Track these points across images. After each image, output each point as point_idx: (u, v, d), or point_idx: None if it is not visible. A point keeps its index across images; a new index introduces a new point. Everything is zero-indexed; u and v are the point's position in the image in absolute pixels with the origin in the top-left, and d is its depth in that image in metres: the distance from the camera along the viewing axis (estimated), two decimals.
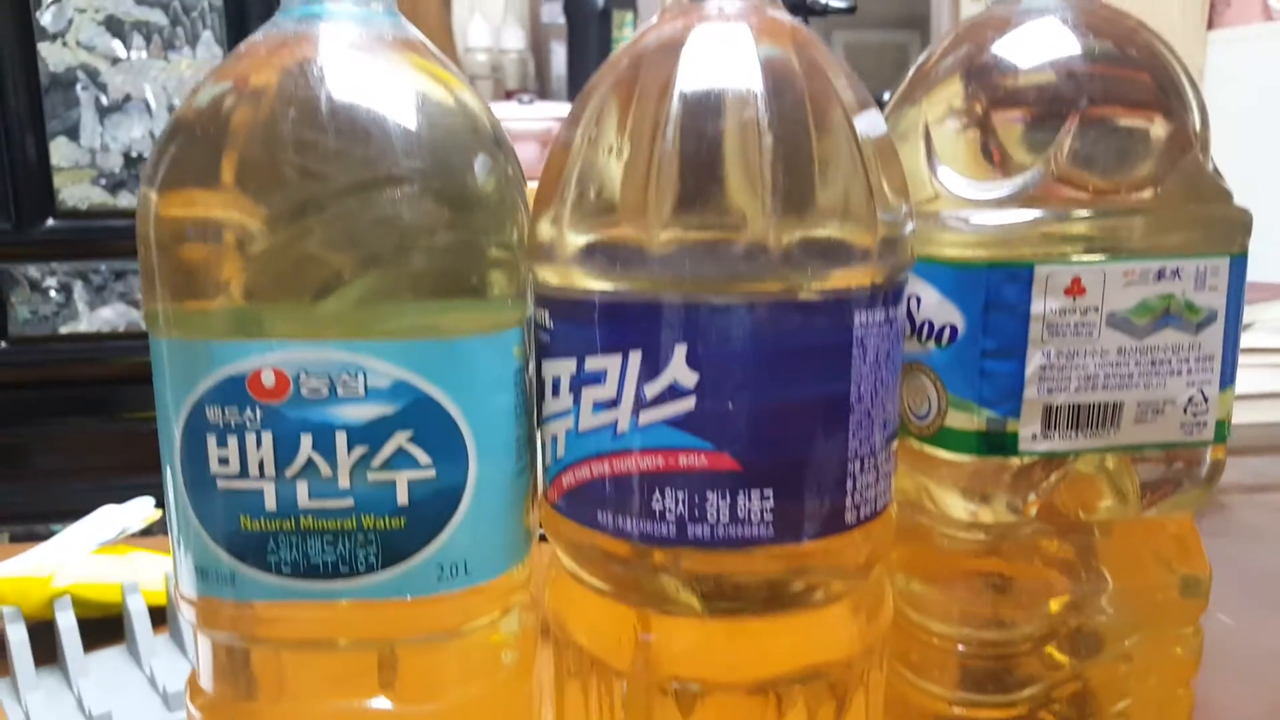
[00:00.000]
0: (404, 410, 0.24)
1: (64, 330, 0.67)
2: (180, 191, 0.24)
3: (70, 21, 0.59)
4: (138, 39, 0.64)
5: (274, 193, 0.23)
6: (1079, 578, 0.29)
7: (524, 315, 0.26)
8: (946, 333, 0.27)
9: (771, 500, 0.23)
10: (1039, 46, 0.27)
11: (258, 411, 0.23)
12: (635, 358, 0.23)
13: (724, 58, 0.23)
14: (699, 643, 0.25)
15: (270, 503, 0.24)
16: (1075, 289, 0.26)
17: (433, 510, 0.24)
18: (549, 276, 0.25)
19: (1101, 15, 0.28)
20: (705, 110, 0.23)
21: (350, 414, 0.23)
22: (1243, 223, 0.28)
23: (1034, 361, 0.27)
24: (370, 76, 0.24)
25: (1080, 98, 0.26)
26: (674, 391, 0.23)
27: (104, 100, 0.64)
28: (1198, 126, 0.27)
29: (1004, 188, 0.27)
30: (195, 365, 0.23)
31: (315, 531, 0.24)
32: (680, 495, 0.23)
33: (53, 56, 0.59)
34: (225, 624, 0.25)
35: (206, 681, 0.26)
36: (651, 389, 0.23)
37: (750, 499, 0.23)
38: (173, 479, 0.24)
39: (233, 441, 0.23)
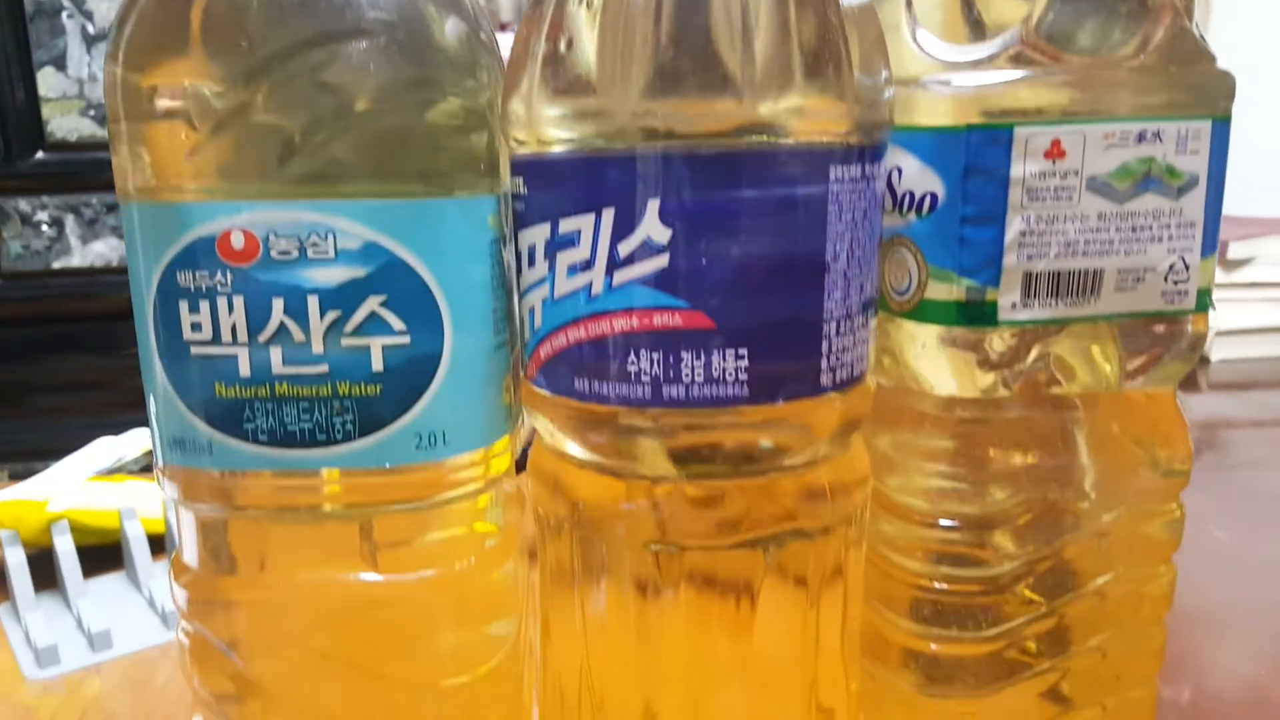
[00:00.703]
0: (375, 273, 0.23)
1: (57, 265, 0.66)
2: (143, 58, 0.23)
3: None
4: None
5: (237, 52, 0.22)
6: (1060, 456, 0.29)
7: (498, 185, 0.26)
8: (927, 201, 0.27)
9: (746, 360, 0.23)
10: None
11: (228, 275, 0.23)
12: (608, 216, 0.23)
13: None
14: (678, 508, 0.25)
15: (244, 369, 0.24)
16: (1055, 151, 0.26)
17: (409, 378, 0.24)
18: (522, 139, 0.24)
19: None
20: None
21: (321, 277, 0.23)
22: (1226, 85, 0.27)
23: (1013, 227, 0.26)
24: None
25: None
26: (647, 249, 0.23)
27: (90, 29, 0.63)
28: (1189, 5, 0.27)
29: (984, 49, 0.26)
30: (165, 229, 0.23)
31: (291, 398, 0.24)
32: (655, 356, 0.23)
33: None
34: (205, 495, 0.25)
35: (190, 557, 0.27)
36: (625, 247, 0.23)
37: (725, 358, 0.23)
38: (146, 349, 0.24)
39: (205, 306, 0.23)
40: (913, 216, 0.28)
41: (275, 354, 0.24)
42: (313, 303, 0.23)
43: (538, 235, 0.25)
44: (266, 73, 0.22)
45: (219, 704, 0.27)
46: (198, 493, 0.25)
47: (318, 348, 0.24)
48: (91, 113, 0.65)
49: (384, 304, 0.24)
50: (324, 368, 0.24)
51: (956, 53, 0.27)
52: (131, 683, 0.45)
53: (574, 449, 0.26)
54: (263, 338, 0.23)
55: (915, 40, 0.27)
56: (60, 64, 0.62)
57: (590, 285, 0.24)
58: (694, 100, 0.22)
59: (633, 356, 0.23)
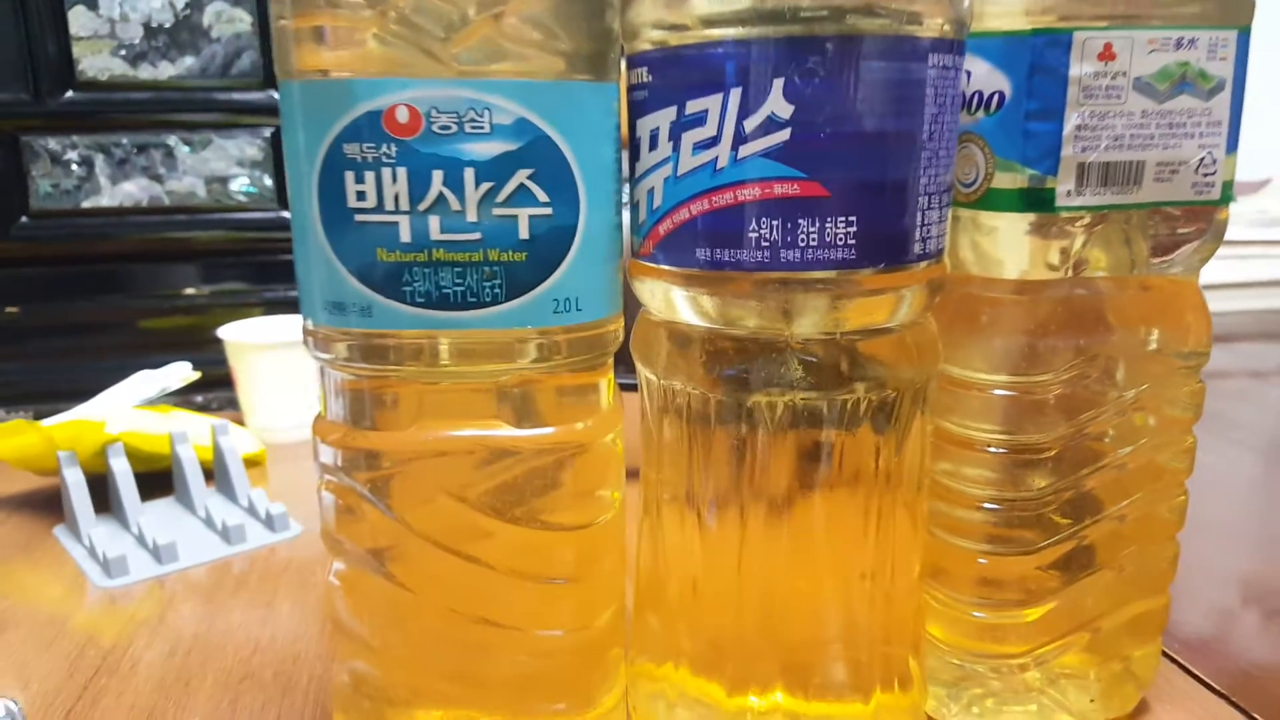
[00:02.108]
0: (525, 148, 0.26)
1: (86, 205, 0.67)
2: None
3: None
4: None
5: None
6: (1100, 333, 0.33)
7: (618, 75, 0.29)
8: (995, 100, 0.31)
9: (855, 225, 0.26)
10: None
11: (393, 147, 0.26)
12: (735, 95, 0.26)
13: None
14: (787, 364, 0.28)
15: (405, 235, 0.26)
16: (1107, 54, 0.30)
17: (550, 247, 0.27)
18: (651, 35, 0.27)
19: None
20: None
21: (477, 150, 0.26)
22: (1250, 1, 0.31)
23: (1071, 122, 0.30)
24: None
25: None
26: (771, 124, 0.26)
27: None
28: None
29: None
30: (332, 103, 0.26)
31: (446, 263, 0.26)
32: (774, 223, 0.26)
33: None
34: (360, 355, 0.28)
35: (338, 415, 0.29)
36: (750, 123, 0.26)
37: (836, 224, 0.26)
38: (305, 218, 0.27)
39: (369, 177, 0.26)
40: (981, 114, 0.31)
41: (434, 222, 0.26)
42: (469, 174, 0.26)
43: (662, 119, 0.28)
44: None
45: (361, 555, 0.29)
46: (353, 351, 0.28)
47: (472, 216, 0.26)
48: (123, 52, 0.66)
49: (531, 177, 0.26)
50: (477, 235, 0.26)
51: None
52: (201, 591, 0.47)
53: (689, 316, 0.29)
54: (423, 206, 0.26)
55: None
56: (92, 3, 0.62)
57: (716, 160, 0.27)
58: (819, 7, 0.25)
59: (754, 224, 0.27)
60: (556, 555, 0.30)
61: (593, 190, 0.27)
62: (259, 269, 0.74)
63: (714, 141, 0.27)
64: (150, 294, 0.72)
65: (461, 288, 0.27)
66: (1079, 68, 0.30)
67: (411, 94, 0.25)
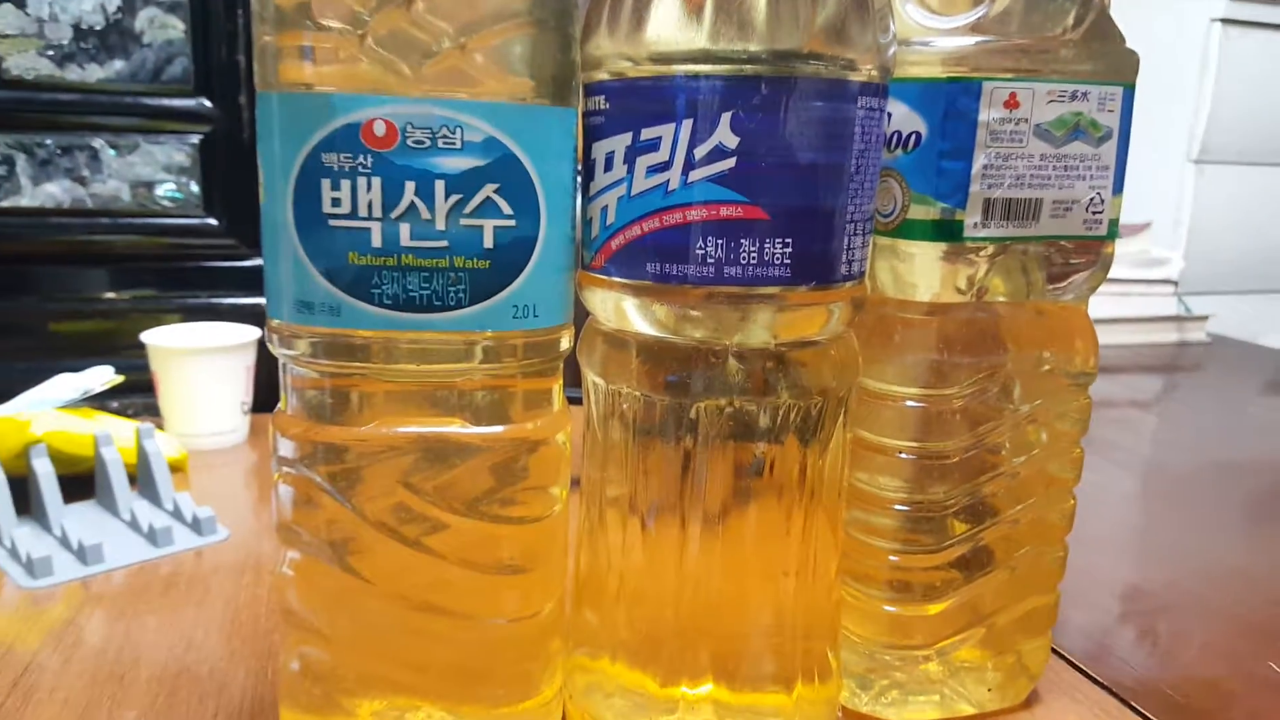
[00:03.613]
0: (492, 164, 0.28)
1: (5, 204, 0.66)
2: None
3: None
4: None
5: None
6: (999, 352, 0.36)
7: (577, 101, 0.31)
8: (912, 139, 0.34)
9: (791, 247, 0.29)
10: None
11: (369, 158, 0.27)
12: (687, 125, 0.29)
13: None
14: (725, 370, 0.30)
15: (376, 240, 0.28)
16: (1012, 102, 0.33)
17: (511, 256, 0.29)
18: (609, 67, 0.30)
19: None
20: None
21: (448, 164, 0.28)
22: (1133, 60, 0.35)
23: (979, 161, 0.33)
24: None
25: None
26: (719, 152, 0.29)
27: None
28: None
29: (961, 19, 0.33)
30: (312, 115, 0.27)
31: (414, 268, 0.28)
32: (719, 242, 0.29)
33: None
34: (326, 353, 0.29)
35: (296, 409, 0.30)
36: (700, 151, 0.29)
37: (775, 245, 0.29)
38: (279, 221, 0.28)
39: (345, 184, 0.28)
40: (899, 152, 0.34)
41: (404, 229, 0.28)
42: (439, 186, 0.28)
43: (618, 143, 0.30)
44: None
45: (316, 545, 0.31)
46: (318, 349, 0.29)
47: (440, 225, 0.28)
48: (50, 52, 0.65)
49: (497, 191, 0.28)
50: (444, 243, 0.28)
51: (939, 21, 0.34)
52: (129, 592, 0.47)
53: (638, 325, 0.31)
54: (394, 214, 0.28)
55: (905, 10, 0.34)
56: (20, 1, 0.62)
57: (667, 183, 0.29)
58: (766, 37, 0.28)
59: (700, 242, 0.29)
60: (507, 547, 0.32)
61: (552, 205, 0.30)
62: (180, 275, 0.73)
63: (666, 166, 0.29)
64: (68, 297, 0.71)
65: (427, 291, 0.28)
66: (987, 114, 0.33)
67: (389, 110, 0.27)
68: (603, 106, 0.30)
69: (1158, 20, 1.42)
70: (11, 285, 0.69)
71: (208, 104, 0.70)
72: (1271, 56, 1.46)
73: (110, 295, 0.72)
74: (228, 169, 0.71)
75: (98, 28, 0.66)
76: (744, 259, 0.29)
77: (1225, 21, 1.41)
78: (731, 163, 0.29)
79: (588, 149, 0.31)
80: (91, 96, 0.66)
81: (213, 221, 0.72)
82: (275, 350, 0.30)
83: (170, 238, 0.71)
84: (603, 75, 0.30)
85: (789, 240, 0.29)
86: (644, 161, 0.29)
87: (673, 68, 0.28)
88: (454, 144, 0.28)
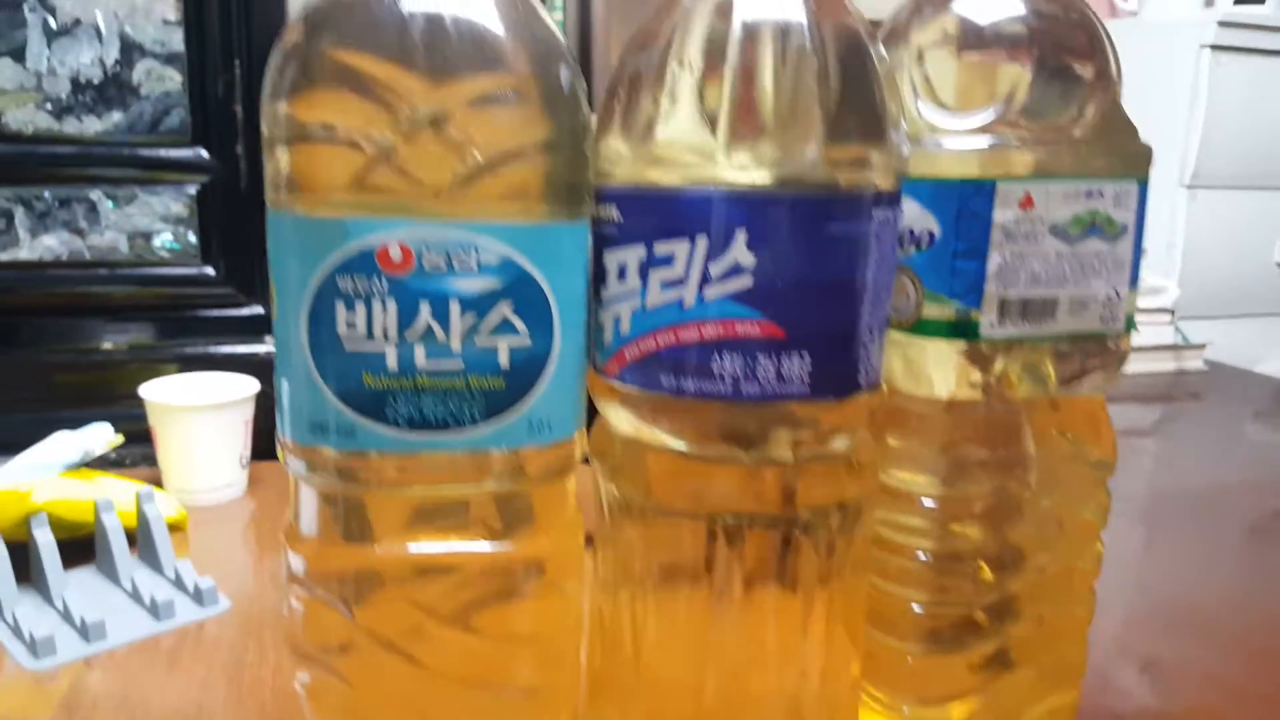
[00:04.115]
0: (508, 285, 0.28)
1: (3, 258, 0.65)
2: (312, 95, 0.27)
3: None
4: None
5: (404, 95, 0.27)
6: (1012, 449, 0.36)
7: (589, 213, 0.31)
8: (925, 238, 0.34)
9: (809, 363, 0.29)
10: (998, 4, 0.34)
11: (385, 282, 0.27)
12: (702, 242, 0.28)
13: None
14: (741, 483, 0.30)
15: (391, 363, 0.28)
16: (1027, 202, 0.33)
17: (526, 373, 0.29)
18: (621, 174, 0.29)
19: None
20: (762, 35, 0.28)
21: (464, 286, 0.28)
22: (1147, 154, 0.35)
23: (994, 261, 0.33)
24: None
25: (1033, 48, 0.33)
26: (735, 270, 0.28)
27: (52, 23, 0.63)
28: (1116, 73, 0.34)
29: (975, 119, 0.33)
30: (328, 240, 0.27)
31: (429, 390, 0.28)
32: (736, 358, 0.29)
33: None
34: (339, 472, 0.29)
35: (310, 527, 0.30)
36: (715, 268, 0.28)
37: (792, 361, 0.29)
38: (292, 342, 0.28)
39: (360, 308, 0.27)
40: (912, 250, 0.34)
41: (419, 351, 0.28)
42: (454, 307, 0.28)
43: (630, 255, 0.30)
44: (430, 115, 0.26)
45: (325, 657, 0.30)
46: (332, 469, 0.29)
47: (456, 346, 0.28)
48: (48, 105, 0.64)
49: (512, 310, 0.28)
50: (459, 364, 0.28)
51: (952, 120, 0.33)
52: (132, 670, 0.46)
53: (653, 436, 0.31)
54: (409, 336, 0.27)
55: (917, 108, 0.34)
56: (19, 56, 0.61)
57: (683, 299, 0.29)
58: (780, 156, 0.28)
59: (717, 358, 0.29)
60: (517, 662, 0.31)
61: (566, 320, 0.29)
62: (178, 324, 0.73)
63: (681, 282, 0.29)
64: (65, 348, 0.71)
65: (442, 411, 0.28)
66: (1002, 214, 0.33)
67: (405, 233, 0.27)
68: (615, 217, 0.30)
69: (1148, 47, 1.42)
70: (9, 337, 0.69)
71: (205, 154, 0.69)
72: (1260, 81, 1.46)
73: (108, 345, 0.72)
74: (225, 218, 0.71)
75: (95, 81, 0.65)
76: (761, 375, 0.29)
77: (1215, 48, 1.41)
78: (748, 280, 0.28)
79: (599, 254, 0.31)
80: (89, 149, 0.66)
81: (210, 270, 0.72)
82: (287, 466, 0.30)
83: (168, 287, 0.71)
84: (614, 183, 0.30)
85: (807, 356, 0.29)
86: (658, 276, 0.29)
87: (686, 183, 0.28)
88: (469, 266, 0.27)
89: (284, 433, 0.29)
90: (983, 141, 0.33)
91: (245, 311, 0.71)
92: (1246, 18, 1.45)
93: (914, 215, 0.34)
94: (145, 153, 0.67)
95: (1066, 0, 0.34)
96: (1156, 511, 0.76)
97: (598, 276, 0.31)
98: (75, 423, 0.72)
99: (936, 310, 0.34)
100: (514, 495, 0.30)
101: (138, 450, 0.69)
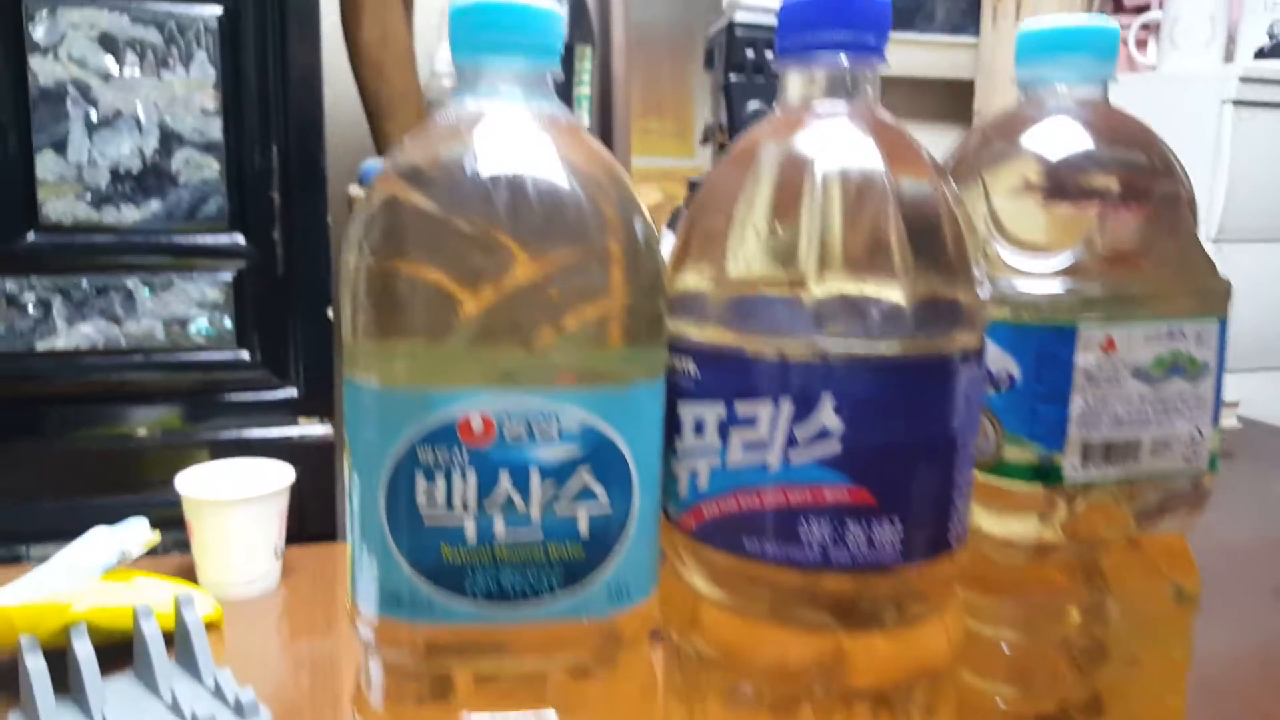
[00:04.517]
0: (588, 451, 0.27)
1: (41, 347, 0.65)
2: (400, 261, 0.26)
3: (63, 36, 0.59)
4: (131, 56, 0.63)
5: (489, 261, 0.26)
6: (1094, 587, 0.35)
7: (665, 367, 0.30)
8: (1005, 380, 0.33)
9: (900, 528, 0.28)
10: (1073, 142, 0.33)
11: (465, 453, 0.26)
12: (786, 405, 0.27)
13: (854, 150, 0.28)
14: (832, 654, 0.29)
15: (470, 535, 0.27)
16: (1109, 346, 0.32)
17: (605, 538, 0.28)
18: (698, 331, 0.29)
19: (1112, 113, 0.34)
20: (844, 199, 0.27)
21: (544, 454, 0.27)
22: (1227, 291, 0.34)
23: (1076, 405, 0.32)
24: (559, 156, 0.27)
25: (1112, 188, 0.32)
26: (822, 435, 0.27)
27: (94, 116, 0.63)
28: (1192, 208, 0.34)
29: (1053, 262, 0.32)
30: (408, 412, 0.26)
31: (508, 561, 0.27)
32: (824, 525, 0.28)
33: (43, 70, 0.58)
34: (415, 644, 0.28)
35: (377, 699, 0.29)
36: (802, 432, 0.27)
37: (883, 527, 0.28)
38: (369, 516, 0.27)
39: (440, 480, 0.26)
40: (991, 391, 0.33)
41: (498, 521, 0.27)
42: (535, 476, 0.27)
43: (709, 411, 0.29)
44: (515, 281, 0.26)
45: None
46: (405, 643, 0.28)
47: (535, 515, 0.27)
48: (88, 196, 0.65)
49: (592, 476, 0.27)
50: (539, 533, 0.27)
51: (1030, 262, 0.33)
52: None
53: (733, 599, 0.30)
54: (489, 507, 0.27)
55: (994, 248, 0.33)
56: (60, 148, 0.61)
57: (767, 462, 0.28)
58: (867, 317, 0.27)
59: (804, 524, 0.28)
60: None
61: (645, 480, 0.28)
62: (212, 408, 0.72)
63: (765, 445, 0.28)
64: (100, 435, 0.70)
65: (520, 583, 0.27)
66: (1083, 358, 0.32)
67: (486, 405, 0.26)
68: (691, 371, 0.29)
69: (1168, 101, 1.43)
70: (43, 425, 0.68)
71: (242, 240, 0.69)
72: None
73: (142, 431, 0.71)
74: (261, 302, 0.70)
75: (135, 170, 0.65)
76: (851, 542, 0.28)
77: (1236, 103, 1.41)
78: (836, 446, 0.27)
79: (673, 404, 0.30)
80: (127, 237, 0.65)
81: (245, 355, 0.72)
82: (360, 636, 0.29)
83: (203, 373, 0.70)
84: (691, 338, 0.29)
85: (899, 520, 0.28)
86: (740, 435, 0.28)
87: (769, 347, 0.27)
88: (550, 434, 0.27)
89: (356, 602, 0.29)
90: (1062, 285, 0.32)
91: (280, 394, 0.70)
92: (1268, 73, 1.45)
93: (993, 356, 0.33)
94: (182, 240, 0.66)
95: (1141, 136, 0.34)
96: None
97: (672, 426, 0.30)
98: (109, 509, 0.71)
99: (1018, 453, 0.33)
100: (591, 663, 0.29)
101: (170, 536, 0.69)
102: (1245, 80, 1.40)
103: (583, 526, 0.27)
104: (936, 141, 1.51)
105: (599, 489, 0.28)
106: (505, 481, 0.27)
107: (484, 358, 0.26)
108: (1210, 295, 0.34)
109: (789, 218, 0.28)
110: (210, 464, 0.66)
